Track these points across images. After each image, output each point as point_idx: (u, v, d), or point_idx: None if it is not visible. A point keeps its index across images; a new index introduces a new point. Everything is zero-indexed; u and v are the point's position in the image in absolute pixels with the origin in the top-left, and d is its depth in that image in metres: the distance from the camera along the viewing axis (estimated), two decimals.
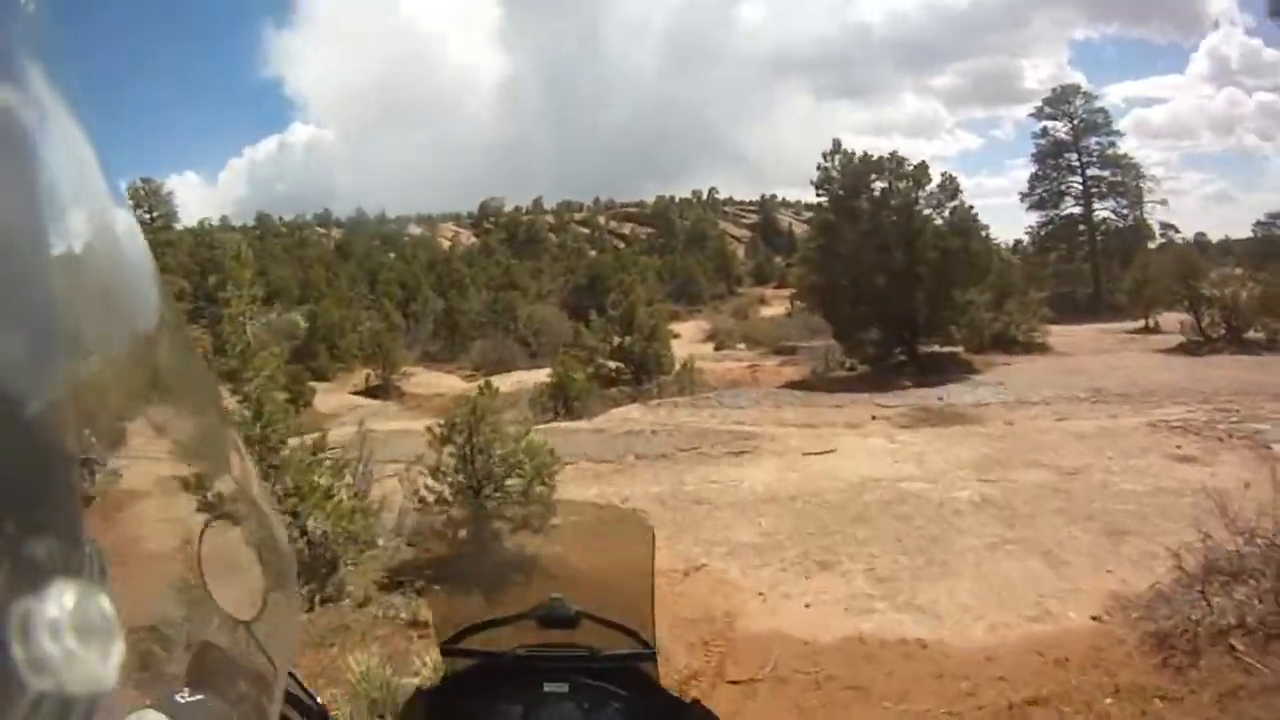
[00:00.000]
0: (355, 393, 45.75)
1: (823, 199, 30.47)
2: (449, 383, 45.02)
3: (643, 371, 28.53)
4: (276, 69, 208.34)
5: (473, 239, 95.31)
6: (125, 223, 0.63)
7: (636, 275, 32.42)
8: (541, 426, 16.96)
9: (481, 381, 30.99)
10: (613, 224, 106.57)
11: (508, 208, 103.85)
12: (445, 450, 9.90)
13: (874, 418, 17.10)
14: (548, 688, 1.85)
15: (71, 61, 0.54)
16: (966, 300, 27.13)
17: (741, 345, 42.99)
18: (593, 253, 79.44)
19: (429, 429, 10.21)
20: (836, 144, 28.81)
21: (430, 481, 9.83)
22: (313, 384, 45.73)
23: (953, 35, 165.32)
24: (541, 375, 26.43)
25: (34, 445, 0.45)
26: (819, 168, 30.30)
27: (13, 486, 0.43)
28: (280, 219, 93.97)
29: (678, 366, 28.14)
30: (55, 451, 0.47)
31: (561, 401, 23.45)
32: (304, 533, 8.57)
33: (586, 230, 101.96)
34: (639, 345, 28.62)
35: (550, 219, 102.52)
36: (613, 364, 29.10)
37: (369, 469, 11.23)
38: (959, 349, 27.78)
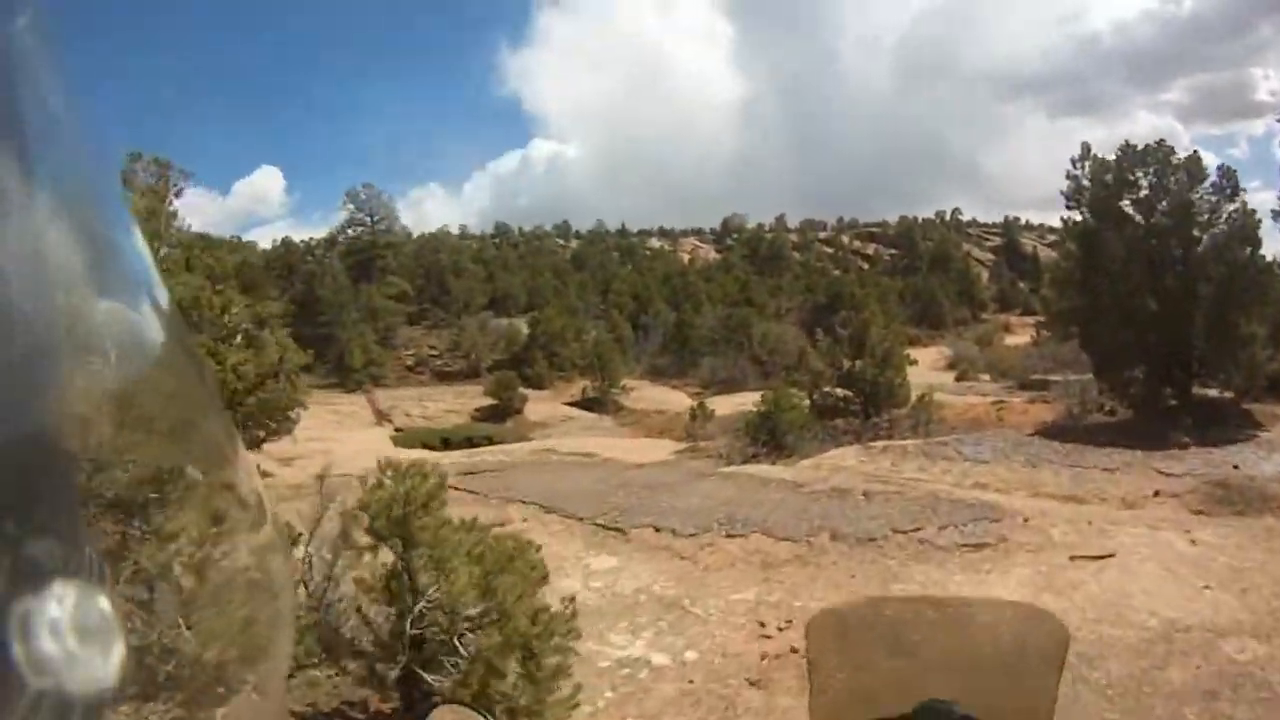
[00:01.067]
0: (570, 403, 45.19)
1: (1074, 211, 24.81)
2: (672, 399, 44.24)
3: (872, 402, 24.74)
4: (514, 87, 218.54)
5: (714, 255, 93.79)
6: (123, 221, 0.62)
7: (873, 292, 28.02)
8: (728, 470, 13.81)
9: (696, 403, 27.63)
10: (856, 243, 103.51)
11: (750, 224, 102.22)
12: (378, 562, 5.90)
13: (1157, 493, 12.70)
14: None
15: (68, 55, 0.54)
16: (1249, 332, 20.69)
17: (985, 376, 39.72)
18: (836, 273, 76.57)
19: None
20: (1086, 148, 24.30)
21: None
22: (526, 391, 45.48)
23: (1178, 46, 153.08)
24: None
25: (34, 446, 0.46)
26: (1068, 176, 25.55)
27: (13, 487, 0.44)
28: (519, 229, 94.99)
29: (913, 399, 24.45)
30: (55, 452, 0.49)
31: (769, 435, 20.10)
32: None
33: (830, 250, 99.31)
34: (870, 371, 24.65)
35: (794, 237, 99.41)
36: (839, 391, 25.33)
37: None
38: (1230, 393, 21.85)
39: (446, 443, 36.65)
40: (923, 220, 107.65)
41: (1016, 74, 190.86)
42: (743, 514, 10.35)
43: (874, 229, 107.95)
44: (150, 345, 0.64)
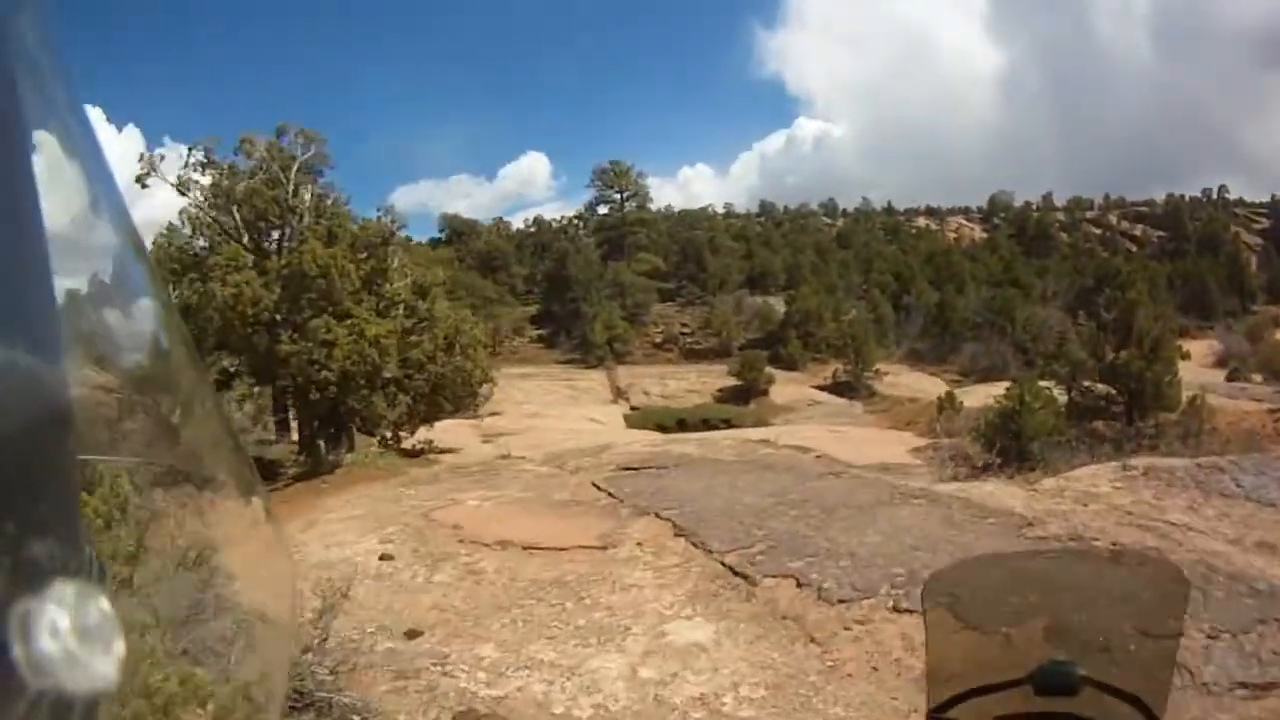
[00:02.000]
0: (821, 387, 42.40)
1: None
2: (928, 386, 40.90)
3: (1137, 403, 20.44)
4: (775, 68, 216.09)
5: (981, 234, 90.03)
6: (117, 211, 0.58)
7: (1140, 272, 23.07)
8: (945, 489, 10.35)
9: (944, 393, 23.63)
10: (1124, 223, 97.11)
11: (1017, 203, 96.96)
12: None
13: None
14: None
15: (62, 35, 0.52)
16: None
17: (1257, 377, 35.55)
18: (1104, 254, 71.12)
19: None
20: None
21: None
22: (775, 371, 42.95)
23: None
24: None
25: (34, 445, 0.45)
26: None
27: (13, 486, 0.44)
28: (785, 207, 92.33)
29: (1184, 400, 19.97)
30: (55, 451, 0.47)
31: (1011, 439, 16.32)
32: None
33: (1098, 230, 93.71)
34: (1136, 365, 20.14)
35: (1060, 216, 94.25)
36: (1100, 387, 21.19)
37: None
38: None
39: (682, 424, 35.44)
40: (1189, 199, 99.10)
41: (1275, 39, 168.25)
42: (935, 567, 7.01)
43: (1141, 208, 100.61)
44: (147, 346, 0.64)
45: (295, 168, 17.53)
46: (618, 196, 66.02)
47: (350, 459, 16.11)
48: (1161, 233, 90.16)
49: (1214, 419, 19.11)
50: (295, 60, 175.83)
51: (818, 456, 15.89)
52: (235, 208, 17.34)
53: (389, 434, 17.96)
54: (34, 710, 0.41)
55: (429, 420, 18.15)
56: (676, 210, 77.20)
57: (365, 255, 16.78)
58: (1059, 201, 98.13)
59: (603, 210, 67.20)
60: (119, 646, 0.47)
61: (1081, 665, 1.58)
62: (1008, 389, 17.89)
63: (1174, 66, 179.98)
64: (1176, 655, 1.74)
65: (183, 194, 17.43)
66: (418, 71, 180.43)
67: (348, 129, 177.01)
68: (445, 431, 21.57)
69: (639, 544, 8.31)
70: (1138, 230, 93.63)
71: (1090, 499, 9.64)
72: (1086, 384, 21.08)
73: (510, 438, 23.67)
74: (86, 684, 0.44)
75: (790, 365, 45.19)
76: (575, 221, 68.10)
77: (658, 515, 9.13)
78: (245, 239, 17.35)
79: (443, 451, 19.18)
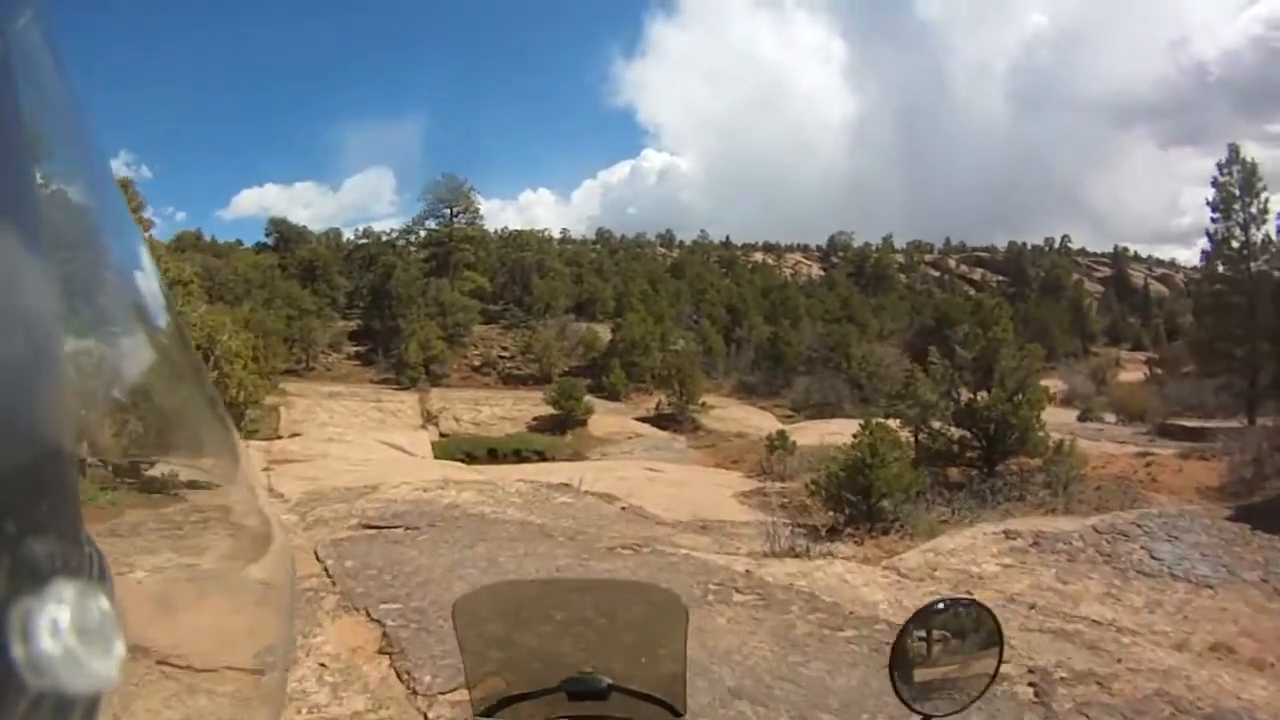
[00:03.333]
0: (644, 418, 40.35)
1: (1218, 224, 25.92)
2: (758, 421, 39.40)
3: (996, 447, 18.75)
4: (628, 98, 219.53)
5: (819, 272, 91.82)
6: (118, 210, 0.59)
7: (1001, 309, 22.03)
8: (778, 568, 8.15)
9: (775, 432, 21.58)
10: (963, 267, 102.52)
11: (856, 243, 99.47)
12: None
13: None
14: None
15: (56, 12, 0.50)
16: None
17: (1111, 418, 36.03)
18: (942, 295, 74.92)
19: None
20: (1234, 149, 25.05)
21: None
22: (596, 401, 40.88)
23: None
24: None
25: (34, 445, 0.44)
26: (1215, 182, 26.81)
27: (13, 486, 0.42)
28: (621, 236, 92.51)
29: (1051, 445, 18.28)
30: (55, 451, 0.46)
31: (860, 496, 14.16)
32: None
33: (936, 273, 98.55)
34: (1000, 407, 18.48)
35: (899, 258, 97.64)
36: (955, 431, 19.44)
37: None
38: None
39: (493, 453, 33.54)
40: (1032, 246, 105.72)
41: (1127, 102, 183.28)
42: None
43: (982, 253, 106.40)
44: (146, 334, 0.61)
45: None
46: (447, 211, 62.98)
47: None
48: (1002, 277, 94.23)
49: (1082, 464, 17.74)
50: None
51: (623, 508, 13.45)
52: None
53: (120, 464, 14.62)
54: (34, 710, 0.40)
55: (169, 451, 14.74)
56: (496, 228, 74.74)
57: None
58: (899, 244, 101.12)
59: (431, 225, 64.03)
60: (119, 646, 0.46)
61: (608, 675, 1.78)
62: (856, 436, 15.65)
63: (1026, 122, 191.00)
64: (685, 661, 1.80)
65: None
66: (263, 71, 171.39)
67: (190, 123, 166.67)
68: None
69: (321, 665, 5.56)
70: (977, 274, 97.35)
71: (973, 583, 7.42)
72: (937, 426, 19.40)
73: (291, 465, 20.55)
74: (87, 684, 0.44)
75: (613, 395, 43.46)
76: (405, 235, 64.77)
77: (369, 613, 6.42)
78: None
79: (196, 485, 15.89)
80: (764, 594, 6.89)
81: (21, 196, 0.43)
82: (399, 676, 5.37)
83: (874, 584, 7.41)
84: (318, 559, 8.07)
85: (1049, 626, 6.57)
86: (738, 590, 7.00)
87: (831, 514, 14.51)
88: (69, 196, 0.51)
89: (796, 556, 9.10)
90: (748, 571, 7.63)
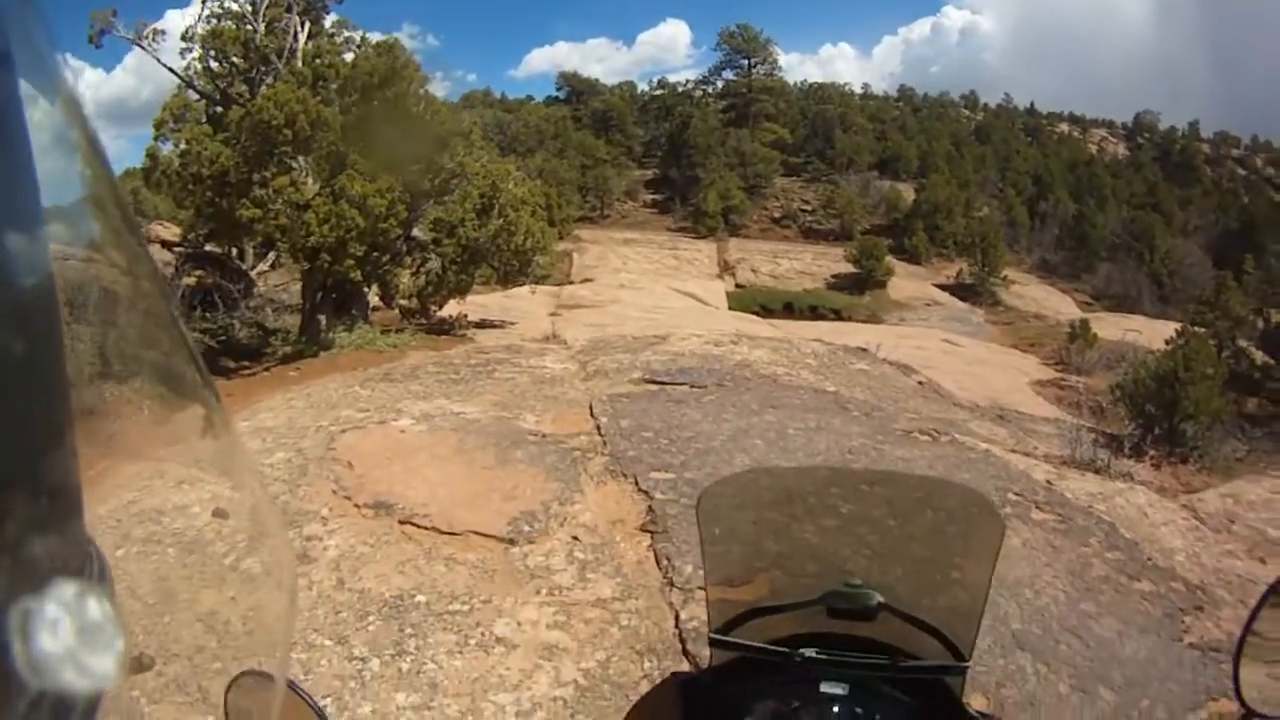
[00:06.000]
0: (943, 286, 38.46)
1: None
2: (1057, 304, 37.16)
3: None
4: None
5: (1124, 151, 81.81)
6: (109, 191, 0.54)
7: None
8: (1077, 485, 6.85)
9: (1078, 322, 20.36)
10: (1269, 170, 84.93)
11: (1163, 125, 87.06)
12: None
13: None
14: (824, 688, 1.54)
15: None
16: None
17: None
18: (1246, 199, 62.97)
19: None
20: None
21: None
22: (896, 263, 38.94)
23: None
24: (1164, 329, 16.31)
25: (34, 445, 0.45)
26: None
27: (12, 486, 0.43)
28: (925, 94, 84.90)
29: None
30: (55, 450, 0.46)
31: (1162, 411, 12.44)
32: None
33: (1243, 171, 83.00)
34: None
35: (1205, 149, 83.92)
36: (1258, 356, 17.24)
37: None
38: None
39: (789, 308, 32.83)
40: None
41: None
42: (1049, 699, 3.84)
43: None
44: (145, 333, 0.59)
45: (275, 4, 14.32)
46: (745, 62, 61.01)
47: (348, 338, 13.14)
48: None
49: None
50: None
51: (920, 382, 12.31)
52: (194, 53, 14.22)
53: (411, 305, 15.43)
54: (34, 710, 0.41)
55: (459, 293, 15.04)
56: (796, 80, 71.29)
57: (355, 97, 13.10)
58: (1205, 133, 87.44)
59: (729, 75, 62.44)
60: (119, 645, 0.46)
61: (878, 592, 1.49)
62: (1168, 342, 13.85)
63: None
64: (987, 593, 1.51)
65: (141, 47, 14.37)
66: None
67: None
68: (519, 299, 19.20)
69: (574, 539, 4.92)
70: None
71: (1271, 548, 5.80)
72: (1242, 344, 16.80)
73: (582, 311, 20.60)
74: (87, 683, 0.44)
75: (913, 258, 41.62)
76: (701, 86, 63.72)
77: (637, 482, 5.71)
78: (209, 88, 14.17)
79: (486, 325, 16.14)
80: (1064, 515, 5.85)
81: (26, 194, 0.42)
82: (657, 561, 4.69)
83: (1172, 525, 6.14)
84: (591, 414, 7.56)
85: None
86: (1038, 506, 5.96)
87: (1131, 426, 12.95)
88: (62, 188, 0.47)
89: (1097, 472, 7.89)
90: (1049, 483, 6.53)
